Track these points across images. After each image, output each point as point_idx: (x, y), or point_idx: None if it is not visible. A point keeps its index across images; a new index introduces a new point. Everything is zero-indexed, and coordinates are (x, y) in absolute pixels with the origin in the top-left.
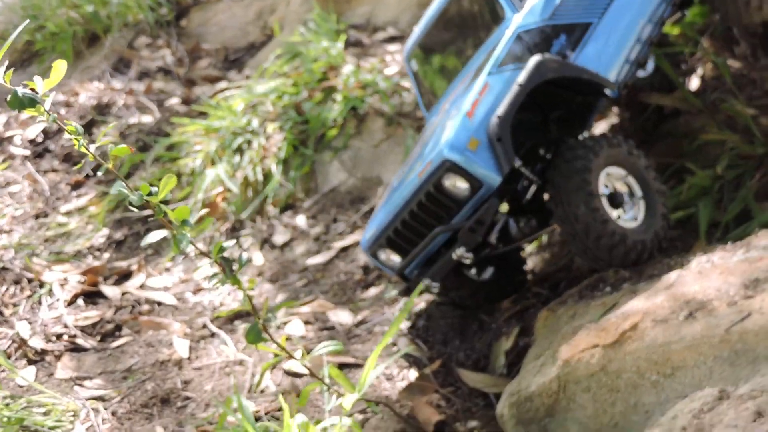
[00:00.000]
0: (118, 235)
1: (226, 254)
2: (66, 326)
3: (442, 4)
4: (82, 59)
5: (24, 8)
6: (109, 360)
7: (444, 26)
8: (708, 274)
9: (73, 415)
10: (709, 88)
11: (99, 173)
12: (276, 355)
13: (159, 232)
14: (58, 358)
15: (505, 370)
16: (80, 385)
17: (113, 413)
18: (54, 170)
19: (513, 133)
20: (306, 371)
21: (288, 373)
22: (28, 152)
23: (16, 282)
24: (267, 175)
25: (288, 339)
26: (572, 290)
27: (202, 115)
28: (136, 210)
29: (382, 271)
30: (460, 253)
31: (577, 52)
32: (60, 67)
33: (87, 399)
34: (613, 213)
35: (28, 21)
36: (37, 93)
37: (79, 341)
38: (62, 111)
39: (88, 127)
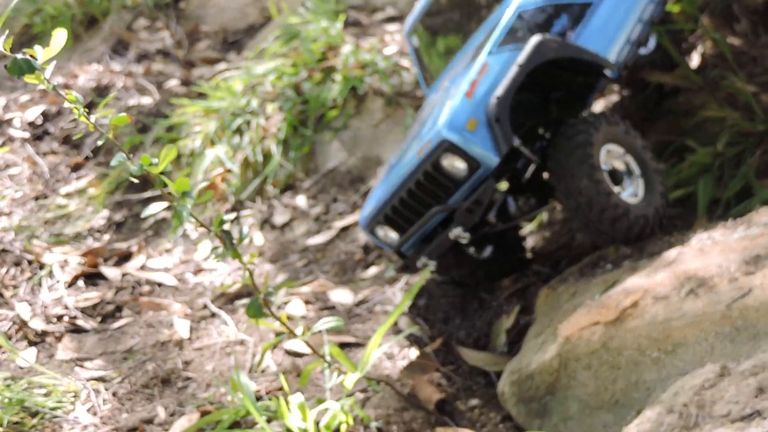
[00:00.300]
0: (118, 216)
1: (226, 229)
2: (66, 307)
3: None
4: (81, 42)
5: None
6: (110, 341)
7: (446, 2)
8: (709, 251)
9: (74, 396)
10: (709, 65)
11: (99, 155)
12: (277, 335)
13: (159, 204)
14: (58, 339)
15: (506, 348)
16: (81, 366)
17: (114, 394)
18: (53, 152)
19: (512, 113)
20: (307, 351)
21: (289, 352)
22: (27, 135)
23: (17, 264)
24: (267, 156)
25: (289, 318)
26: (573, 268)
27: (202, 96)
28: (136, 188)
29: (382, 251)
30: (457, 232)
31: (578, 31)
32: (59, 36)
33: (88, 380)
34: (614, 189)
35: None
36: (36, 60)
37: (80, 322)
38: (62, 93)
39: (88, 109)
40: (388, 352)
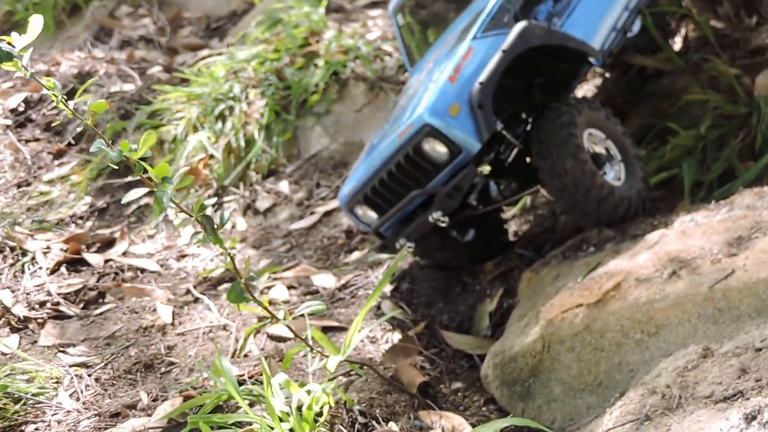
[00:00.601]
0: (101, 203)
1: (207, 214)
2: (49, 294)
3: None
4: (64, 29)
5: None
6: (93, 327)
7: None
8: (691, 233)
9: (57, 382)
10: (692, 48)
11: (81, 141)
12: (260, 320)
13: (140, 190)
14: (41, 325)
15: (489, 331)
16: (63, 352)
17: (96, 379)
18: (36, 139)
19: (495, 98)
20: (290, 335)
21: (272, 337)
22: (9, 122)
23: None
24: (249, 142)
25: (271, 303)
26: (556, 251)
27: (184, 82)
28: (118, 174)
29: (365, 235)
30: (436, 216)
31: (564, 18)
32: (36, 22)
33: (70, 366)
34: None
35: None
36: (14, 47)
37: (63, 309)
38: (43, 81)
39: (70, 96)
40: (371, 336)
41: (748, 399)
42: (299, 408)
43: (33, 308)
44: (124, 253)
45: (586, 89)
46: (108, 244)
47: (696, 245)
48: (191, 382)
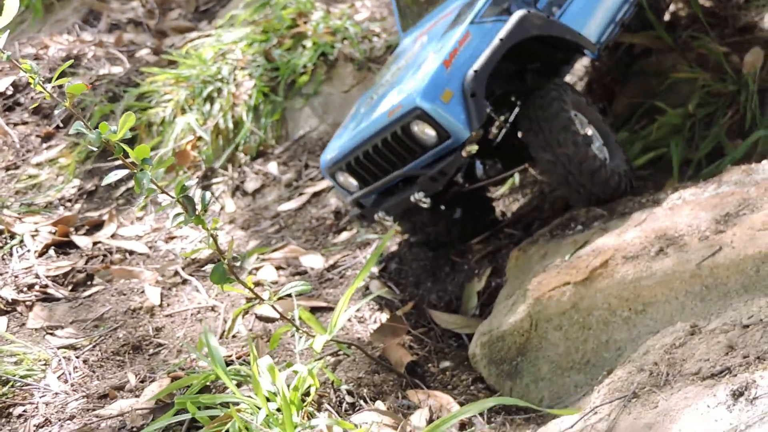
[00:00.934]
0: (89, 185)
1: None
2: (37, 276)
3: None
4: (52, 13)
5: None
6: (81, 309)
7: None
8: (679, 210)
9: (45, 364)
10: (680, 26)
11: (69, 124)
12: (248, 300)
13: (119, 172)
14: (29, 308)
15: (477, 310)
16: (52, 334)
17: (84, 361)
18: (24, 123)
19: (487, 81)
20: (277, 316)
21: (260, 318)
22: None
23: None
24: (238, 123)
25: (259, 284)
26: (543, 230)
27: (172, 64)
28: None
29: (352, 218)
30: (418, 197)
31: (564, 8)
32: (11, 4)
33: (58, 348)
34: None
35: None
36: None
37: (51, 291)
38: (32, 64)
39: (60, 79)
40: (360, 316)
41: (736, 375)
42: (287, 387)
43: (21, 291)
44: (113, 236)
45: (574, 68)
46: (96, 226)
47: (683, 222)
48: (179, 363)
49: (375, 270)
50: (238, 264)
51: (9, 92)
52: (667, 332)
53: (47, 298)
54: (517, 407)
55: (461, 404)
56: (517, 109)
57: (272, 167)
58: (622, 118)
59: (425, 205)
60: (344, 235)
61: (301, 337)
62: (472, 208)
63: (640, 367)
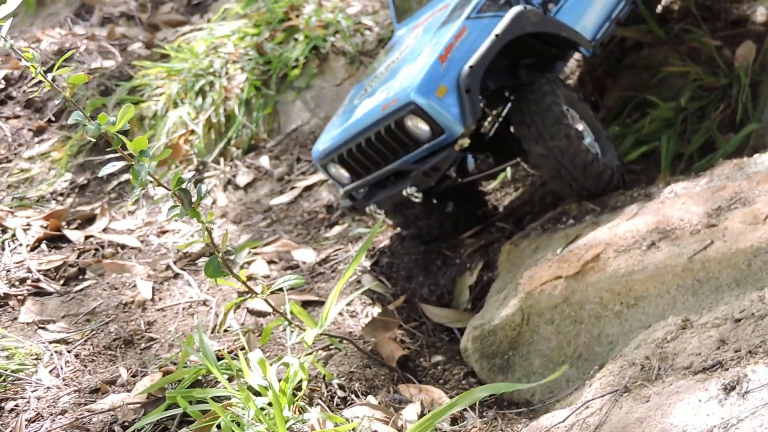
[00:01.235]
0: (81, 179)
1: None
2: (29, 271)
3: None
4: (45, 6)
5: None
6: (73, 303)
7: None
8: (671, 204)
9: (36, 359)
10: (672, 20)
11: (61, 118)
12: (240, 294)
13: (116, 163)
14: (21, 302)
15: (469, 305)
16: (43, 328)
17: (76, 356)
18: (16, 116)
19: (482, 76)
20: (269, 310)
21: (252, 312)
22: None
23: None
24: (230, 117)
25: (251, 278)
26: (535, 224)
27: (164, 58)
28: (99, 151)
29: (342, 210)
30: (410, 191)
31: (560, 5)
32: None
33: (50, 342)
34: None
35: None
36: None
37: (43, 285)
38: (18, 51)
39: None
40: (351, 310)
41: (727, 370)
42: (278, 381)
43: (13, 285)
44: (105, 230)
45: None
46: (88, 220)
47: (675, 216)
48: (171, 358)
49: (367, 264)
50: (231, 257)
51: (1, 86)
52: (659, 326)
53: (39, 293)
54: (509, 402)
55: (453, 398)
56: (509, 104)
57: (264, 161)
58: (614, 112)
59: (417, 200)
60: (336, 230)
61: (292, 331)
62: (464, 202)
63: (632, 362)
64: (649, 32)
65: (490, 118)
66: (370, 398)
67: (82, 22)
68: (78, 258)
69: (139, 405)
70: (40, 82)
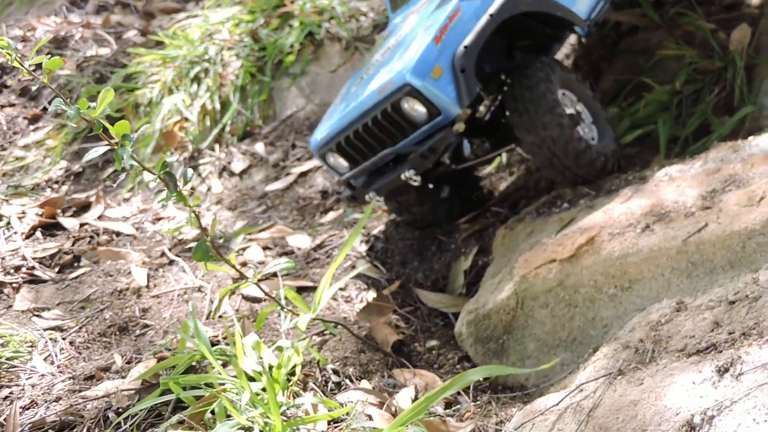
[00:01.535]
0: (76, 167)
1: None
2: (24, 258)
3: None
4: None
5: None
6: (68, 290)
7: None
8: (665, 187)
9: (31, 346)
10: (667, 3)
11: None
12: (234, 281)
13: (100, 148)
14: (16, 290)
15: (464, 289)
16: (38, 316)
17: (71, 343)
18: (11, 105)
19: (477, 58)
20: (263, 296)
21: (246, 298)
22: None
23: None
24: (225, 104)
25: (245, 264)
26: (530, 208)
27: (159, 45)
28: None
29: (340, 195)
30: (408, 175)
31: None
32: None
33: (45, 329)
34: None
35: None
36: None
37: (38, 273)
38: (19, 46)
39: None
40: (347, 295)
41: (721, 352)
42: (271, 367)
43: (8, 273)
44: (100, 217)
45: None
46: (83, 208)
47: (670, 199)
48: (166, 344)
49: (362, 249)
50: (221, 241)
51: None
52: (653, 309)
53: (34, 280)
54: (503, 386)
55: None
56: (506, 88)
57: (259, 147)
58: (609, 96)
59: (415, 183)
60: (331, 215)
61: (286, 317)
62: (460, 188)
63: (626, 345)
64: (644, 16)
65: (485, 103)
66: (364, 383)
67: (77, 10)
68: (73, 245)
69: (133, 391)
70: (33, 70)
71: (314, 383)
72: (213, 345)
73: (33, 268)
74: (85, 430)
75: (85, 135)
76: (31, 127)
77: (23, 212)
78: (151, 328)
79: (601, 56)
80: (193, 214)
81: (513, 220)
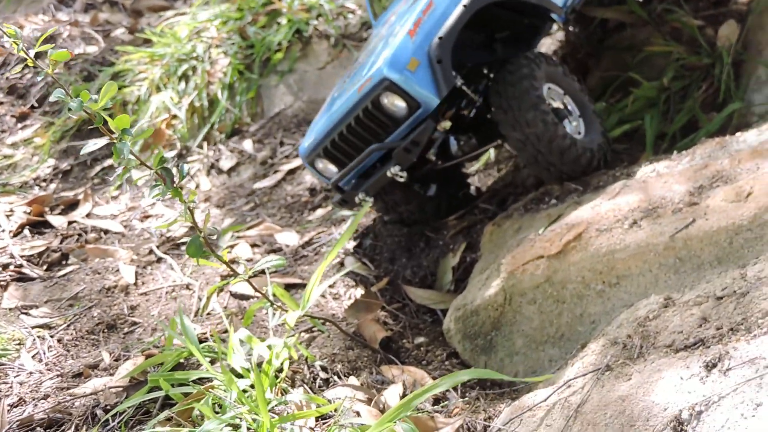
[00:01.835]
0: (65, 165)
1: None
2: (12, 256)
3: None
4: None
5: None
6: (56, 288)
7: None
8: (653, 183)
9: (19, 344)
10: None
11: (44, 104)
12: (223, 278)
13: (99, 141)
14: (4, 288)
15: (452, 286)
16: (26, 313)
17: (59, 340)
18: None
19: (456, 52)
20: (253, 293)
21: (235, 295)
22: None
23: None
24: (213, 101)
25: (234, 261)
26: (518, 204)
27: (147, 43)
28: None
29: (328, 192)
30: (394, 171)
31: None
32: None
33: (33, 327)
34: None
35: None
36: None
37: (26, 271)
38: (6, 45)
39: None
40: (335, 292)
41: (709, 347)
42: (259, 364)
43: None
44: (88, 215)
45: (548, 43)
46: (71, 206)
47: (657, 195)
48: (154, 341)
49: (350, 246)
50: (214, 237)
51: None
52: (641, 305)
53: (22, 278)
54: (491, 382)
55: (435, 379)
56: (489, 83)
57: (247, 145)
58: (596, 93)
59: (402, 179)
60: (319, 212)
61: (275, 313)
62: (447, 185)
63: (614, 340)
64: (631, 12)
65: (469, 98)
66: (353, 379)
67: (65, 9)
68: (61, 243)
69: (121, 389)
70: (24, 63)
71: (302, 380)
72: (201, 342)
73: (21, 266)
74: (73, 427)
75: (73, 133)
76: (19, 125)
77: (11, 210)
78: (139, 326)
79: (587, 53)
80: (187, 210)
81: (501, 217)
